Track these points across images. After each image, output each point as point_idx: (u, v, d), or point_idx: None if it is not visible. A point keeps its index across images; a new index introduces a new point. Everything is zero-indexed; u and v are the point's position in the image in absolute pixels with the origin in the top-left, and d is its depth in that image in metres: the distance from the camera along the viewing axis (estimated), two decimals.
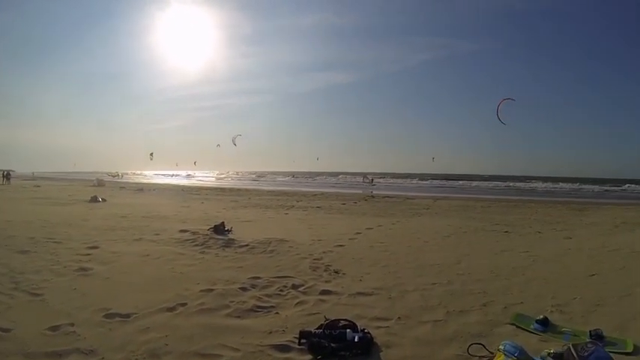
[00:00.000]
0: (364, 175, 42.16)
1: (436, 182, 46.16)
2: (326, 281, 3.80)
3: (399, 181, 48.63)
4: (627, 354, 2.57)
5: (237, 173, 78.29)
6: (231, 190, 24.27)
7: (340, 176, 55.82)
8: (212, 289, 3.26)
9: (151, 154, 42.58)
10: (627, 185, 40.26)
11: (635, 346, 2.64)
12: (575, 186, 42.05)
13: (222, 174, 75.40)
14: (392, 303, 3.25)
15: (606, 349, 2.43)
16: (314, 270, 4.17)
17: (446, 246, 6.25)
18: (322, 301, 3.20)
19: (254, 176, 60.56)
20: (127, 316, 2.64)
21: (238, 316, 2.77)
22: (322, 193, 20.77)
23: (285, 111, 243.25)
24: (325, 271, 4.17)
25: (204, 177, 61.51)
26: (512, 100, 13.19)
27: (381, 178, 48.62)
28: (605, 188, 37.98)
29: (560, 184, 44.78)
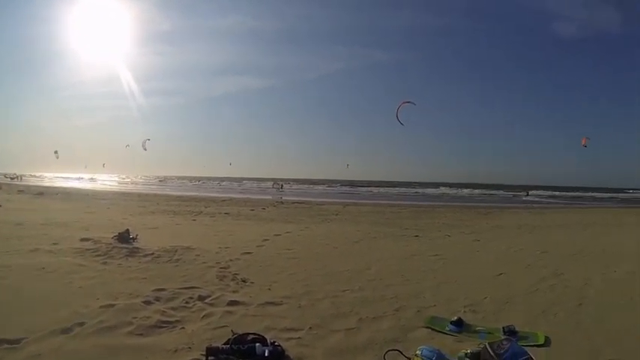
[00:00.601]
0: (274, 180, 55.29)
1: (345, 188, 60.37)
2: (233, 291, 4.33)
3: (310, 186, 60.84)
4: (539, 346, 3.13)
5: (146, 177, 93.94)
6: (139, 195, 28.27)
7: (244, 181, 71.00)
8: (113, 305, 3.55)
9: (56, 152, 46.63)
10: (531, 191, 57.80)
11: (546, 338, 3.26)
12: (480, 191, 58.63)
13: (128, 177, 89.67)
14: (302, 312, 3.74)
15: (520, 344, 2.91)
16: (221, 279, 4.76)
17: (356, 252, 7.42)
18: (230, 312, 3.62)
19: (160, 180, 73.59)
20: (17, 341, 2.72)
21: (141, 334, 3.02)
22: (231, 199, 24.79)
23: (198, 114, 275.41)
24: (232, 280, 4.77)
25: (110, 180, 72.36)
26: (413, 103, 16.03)
27: (288, 184, 55.24)
28: (513, 194, 54.20)
29: (464, 190, 61.51)
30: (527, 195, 51.41)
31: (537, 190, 62.17)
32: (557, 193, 57.68)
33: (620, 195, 59.86)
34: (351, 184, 71.04)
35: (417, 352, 2.63)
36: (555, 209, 27.74)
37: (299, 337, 3.06)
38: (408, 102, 16.84)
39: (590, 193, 59.74)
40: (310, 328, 3.26)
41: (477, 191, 59.02)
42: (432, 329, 3.41)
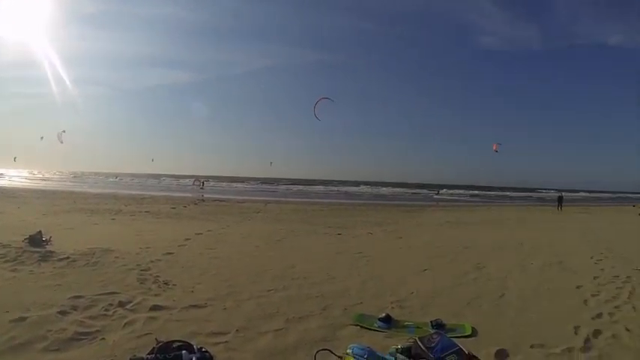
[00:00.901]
0: (195, 178, 54.24)
1: (265, 186, 63.68)
2: (156, 295, 4.47)
3: (231, 184, 64.83)
4: (467, 337, 3.59)
5: (61, 173, 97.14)
6: (54, 192, 28.32)
7: (162, 178, 75.07)
8: (25, 318, 3.51)
9: None
10: (444, 190, 66.14)
11: (473, 329, 3.74)
12: (402, 190, 64.74)
13: (40, 173, 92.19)
14: (228, 314, 3.93)
15: (449, 336, 3.31)
16: (142, 282, 4.92)
17: (279, 250, 7.95)
18: (153, 318, 3.70)
19: (75, 177, 74.92)
20: None
21: (57, 349, 3.01)
22: (152, 197, 26.11)
23: (122, 106, 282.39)
24: (154, 283, 4.95)
25: (20, 177, 70.39)
26: (332, 100, 17.28)
27: (207, 181, 57.37)
28: (428, 192, 59.89)
29: (383, 188, 67.03)
30: (438, 194, 57.51)
31: (458, 189, 70.97)
32: (476, 192, 65.99)
33: (534, 194, 69.88)
34: (274, 181, 75.71)
35: (348, 350, 2.81)
36: (475, 207, 31.11)
37: (226, 341, 3.21)
38: (326, 98, 17.93)
39: (507, 192, 69.10)
40: (237, 330, 3.45)
41: (397, 189, 64.76)
42: (361, 326, 3.71)
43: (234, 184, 65.02)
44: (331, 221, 14.11)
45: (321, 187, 63.65)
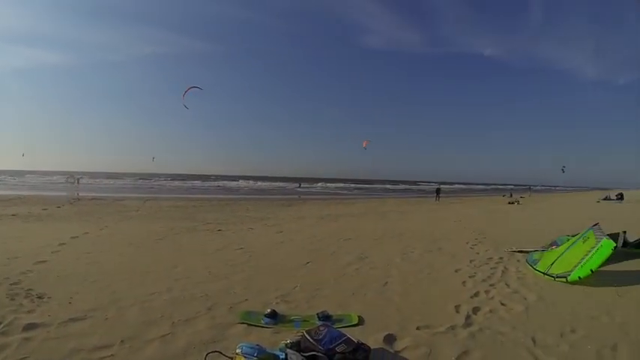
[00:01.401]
0: (69, 174, 49.85)
1: (141, 182, 61.19)
2: (29, 311, 4.08)
3: (109, 181, 60.59)
4: (354, 326, 3.71)
5: None
6: None
7: (27, 175, 67.19)
8: None
9: None
10: (321, 183, 70.43)
11: (359, 318, 3.89)
12: (281, 184, 66.63)
13: None
14: (111, 325, 3.71)
15: (336, 327, 3.41)
16: (12, 299, 4.47)
17: (160, 250, 7.66)
18: (28, 339, 3.38)
19: None
20: None
21: None
22: (19, 197, 23.05)
23: None
24: (26, 297, 4.53)
25: None
26: (200, 89, 17.38)
27: (81, 177, 52.37)
28: (297, 185, 64.11)
29: (259, 182, 69.94)
30: (300, 186, 60.83)
31: (337, 182, 74.64)
32: (358, 185, 69.99)
33: (414, 187, 76.63)
34: (152, 177, 74.24)
35: (238, 350, 2.80)
36: (357, 199, 32.77)
37: (112, 355, 3.06)
38: (195, 87, 17.94)
39: (387, 185, 74.62)
40: (122, 341, 3.28)
41: (276, 184, 66.27)
42: (248, 324, 3.67)
43: (111, 181, 59.95)
44: (212, 217, 13.86)
45: (198, 182, 62.35)
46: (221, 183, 64.58)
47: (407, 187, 77.26)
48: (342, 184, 71.33)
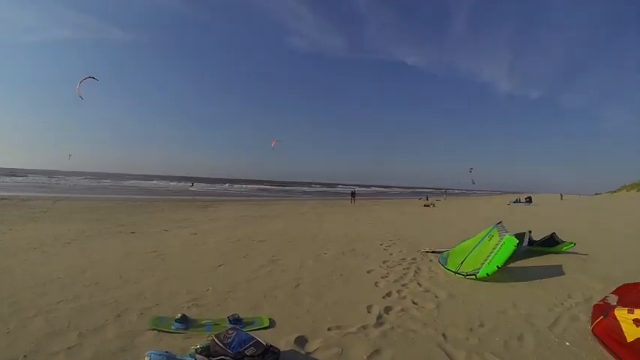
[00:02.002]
0: None
1: (45, 180, 57.17)
2: None
3: (14, 178, 56.85)
4: (265, 328, 3.67)
5: None
6: None
7: None
8: None
9: None
10: (226, 184, 70.85)
11: (270, 320, 3.85)
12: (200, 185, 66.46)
13: None
14: (13, 338, 3.44)
15: (246, 330, 3.36)
16: None
17: (68, 254, 7.17)
18: None
19: None
20: None
21: None
22: None
23: None
24: None
25: None
26: (95, 79, 17.75)
27: None
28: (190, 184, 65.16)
29: (171, 183, 69.22)
30: (192, 185, 61.56)
31: (256, 184, 73.44)
32: (277, 187, 69.52)
33: (331, 189, 77.82)
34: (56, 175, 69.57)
35: (146, 358, 2.73)
36: (273, 201, 32.59)
37: None
38: (91, 77, 17.46)
39: (304, 188, 75.16)
40: (25, 356, 3.06)
41: (191, 185, 65.16)
42: (159, 330, 3.52)
43: (17, 179, 55.42)
44: (125, 219, 13.20)
45: (109, 181, 59.81)
46: (135, 182, 62.20)
47: (325, 189, 78.94)
48: (261, 186, 71.55)
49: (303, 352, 3.17)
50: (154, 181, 66.78)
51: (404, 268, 6.40)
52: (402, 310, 4.32)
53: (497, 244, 5.85)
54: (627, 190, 60.34)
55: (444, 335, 3.61)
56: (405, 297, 4.82)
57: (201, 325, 3.64)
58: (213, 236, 9.71)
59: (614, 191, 67.58)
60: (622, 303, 3.90)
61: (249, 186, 70.64)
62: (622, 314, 3.41)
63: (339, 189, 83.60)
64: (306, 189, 74.58)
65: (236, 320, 3.70)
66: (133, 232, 9.94)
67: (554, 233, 8.49)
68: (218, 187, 64.84)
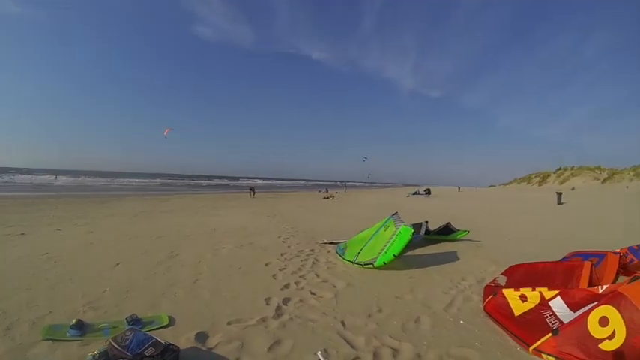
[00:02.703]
0: None
1: None
2: None
3: None
4: (165, 327, 3.65)
5: None
6: None
7: None
8: None
9: None
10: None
11: (170, 318, 3.84)
12: (93, 179, 62.36)
13: None
14: None
15: (145, 330, 3.35)
16: None
17: None
18: None
19: None
20: None
21: None
22: None
23: None
24: None
25: None
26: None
27: None
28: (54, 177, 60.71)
29: (64, 177, 64.23)
30: (56, 179, 58.45)
31: (156, 178, 70.40)
32: (175, 180, 67.30)
33: (232, 183, 76.84)
34: None
35: None
36: (172, 195, 31.24)
37: None
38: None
39: (201, 181, 73.98)
40: None
41: (88, 179, 61.32)
42: (53, 339, 3.31)
43: None
44: (14, 218, 11.92)
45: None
46: (26, 177, 56.09)
47: (227, 182, 78.37)
48: (162, 180, 69.10)
49: (203, 348, 3.21)
50: (45, 176, 60.94)
51: (302, 260, 6.62)
52: (301, 300, 4.51)
53: (393, 234, 6.25)
54: (518, 183, 67.63)
55: (342, 323, 3.83)
56: (303, 288, 5.03)
57: (99, 330, 3.52)
58: (111, 233, 9.30)
59: (507, 183, 75.11)
60: (510, 282, 4.48)
61: (150, 180, 67.75)
62: (509, 292, 3.92)
63: (240, 182, 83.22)
64: (208, 183, 73.22)
65: (134, 321, 3.64)
66: (22, 234, 9.08)
67: (449, 223, 9.33)
68: (117, 180, 61.24)
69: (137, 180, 65.93)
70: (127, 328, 3.32)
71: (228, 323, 3.74)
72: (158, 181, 68.57)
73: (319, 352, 3.12)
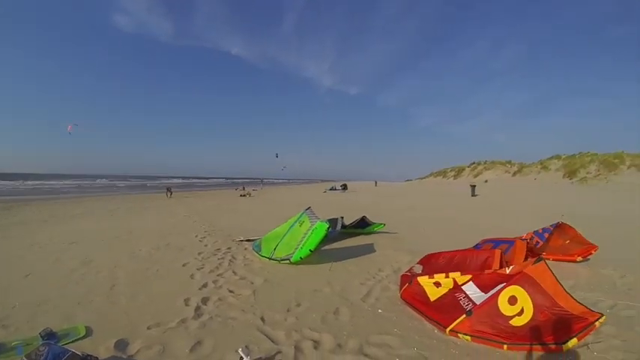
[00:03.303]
0: None
1: None
2: None
3: None
4: (82, 338, 3.59)
5: None
6: None
7: None
8: None
9: None
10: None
11: (87, 328, 3.78)
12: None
13: None
14: None
15: (61, 344, 3.28)
16: None
17: None
18: None
19: None
20: None
21: None
22: None
23: None
24: None
25: None
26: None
27: None
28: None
29: None
30: None
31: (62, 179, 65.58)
32: (83, 182, 63.27)
33: (151, 182, 73.99)
34: None
35: None
36: (83, 197, 29.66)
37: None
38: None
39: (115, 182, 70.13)
40: None
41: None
42: None
43: None
44: None
45: None
46: None
47: (144, 182, 75.69)
48: (75, 181, 64.95)
49: (124, 356, 3.22)
50: None
51: (219, 259, 6.74)
52: (220, 299, 4.63)
53: (308, 229, 6.47)
54: (434, 177, 71.19)
55: (262, 319, 4.00)
56: (221, 286, 5.15)
57: (11, 349, 3.37)
58: (17, 242, 8.68)
59: (424, 177, 78.84)
60: (426, 271, 4.84)
61: (63, 182, 63.26)
62: (424, 280, 4.27)
63: (159, 182, 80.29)
64: (125, 183, 69.83)
65: (49, 335, 3.52)
66: None
67: (364, 216, 9.80)
68: (27, 183, 56.22)
69: (49, 182, 61.11)
70: (40, 343, 3.25)
71: (148, 328, 3.77)
72: (71, 182, 64.22)
73: (240, 349, 3.24)
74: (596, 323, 3.32)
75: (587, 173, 35.93)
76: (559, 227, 7.03)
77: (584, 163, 38.26)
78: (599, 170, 35.52)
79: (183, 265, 6.26)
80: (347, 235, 9.05)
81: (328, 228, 6.32)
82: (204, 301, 4.56)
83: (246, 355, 3.17)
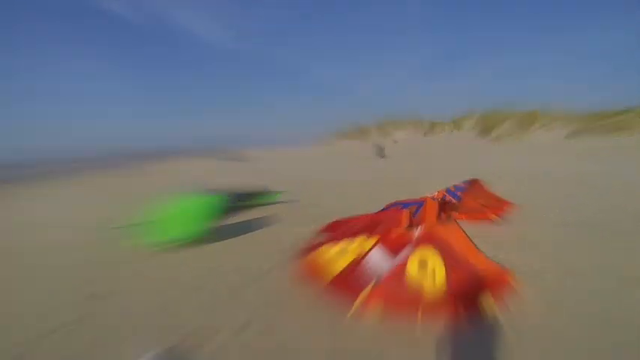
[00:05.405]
0: None
1: None
2: None
3: None
4: None
5: None
6: None
7: None
8: None
9: None
10: None
11: None
12: None
13: None
14: None
15: None
16: None
17: None
18: None
19: None
20: None
21: None
22: None
23: None
24: None
25: None
26: None
27: None
28: None
29: None
30: None
31: None
32: None
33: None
34: None
35: None
36: None
37: None
38: None
39: None
40: None
41: None
42: None
43: None
44: None
45: None
46: None
47: None
48: None
49: None
50: None
51: None
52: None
53: (198, 206, 5.95)
54: (340, 139, 69.56)
55: None
56: None
57: None
58: None
59: (329, 141, 76.09)
60: (330, 239, 4.39)
61: None
62: (328, 249, 4.00)
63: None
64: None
65: None
66: None
67: (264, 186, 9.18)
68: None
69: None
70: None
71: None
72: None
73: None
74: (511, 281, 3.24)
75: (502, 131, 37.64)
76: (472, 184, 6.90)
77: (498, 121, 39.94)
78: (512, 129, 37.35)
79: None
80: (244, 207, 8.25)
81: (224, 201, 6.05)
82: None
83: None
